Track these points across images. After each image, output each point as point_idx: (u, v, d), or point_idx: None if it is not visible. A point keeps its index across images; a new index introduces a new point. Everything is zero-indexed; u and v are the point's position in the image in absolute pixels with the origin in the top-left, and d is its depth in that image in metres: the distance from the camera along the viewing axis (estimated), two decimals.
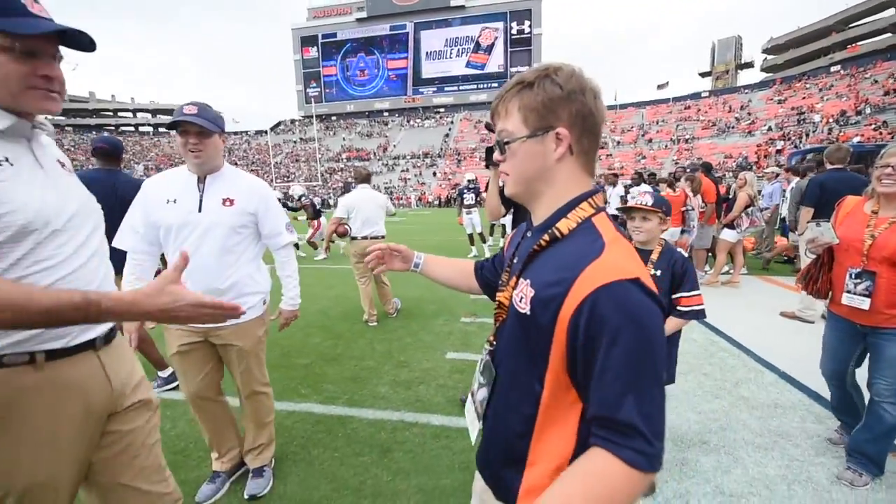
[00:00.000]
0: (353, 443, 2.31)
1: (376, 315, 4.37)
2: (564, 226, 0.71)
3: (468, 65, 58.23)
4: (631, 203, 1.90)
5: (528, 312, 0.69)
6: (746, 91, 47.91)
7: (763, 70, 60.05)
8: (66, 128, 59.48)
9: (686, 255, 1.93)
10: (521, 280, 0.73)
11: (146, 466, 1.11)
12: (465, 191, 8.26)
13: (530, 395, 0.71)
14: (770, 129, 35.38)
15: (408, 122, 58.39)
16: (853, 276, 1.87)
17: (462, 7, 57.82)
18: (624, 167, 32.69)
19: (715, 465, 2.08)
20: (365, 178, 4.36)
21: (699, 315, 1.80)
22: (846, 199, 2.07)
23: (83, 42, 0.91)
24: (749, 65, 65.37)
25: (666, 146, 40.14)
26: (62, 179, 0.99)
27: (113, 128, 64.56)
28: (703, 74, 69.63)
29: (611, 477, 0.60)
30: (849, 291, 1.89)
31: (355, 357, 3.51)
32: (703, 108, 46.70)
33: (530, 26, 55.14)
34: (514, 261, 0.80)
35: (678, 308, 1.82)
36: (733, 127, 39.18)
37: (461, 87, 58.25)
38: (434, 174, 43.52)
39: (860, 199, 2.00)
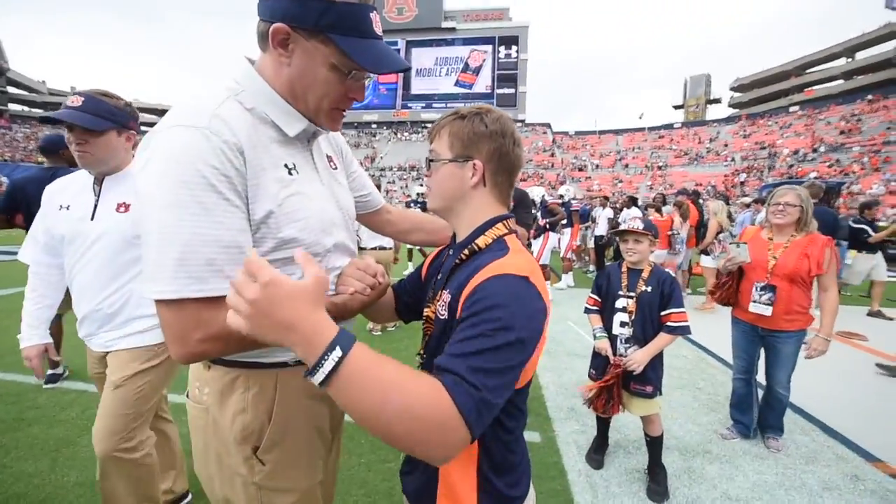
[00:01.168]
0: (377, 449, 2.35)
1: (380, 325, 4.41)
2: (482, 241, 0.80)
3: (457, 84, 59.53)
4: (624, 227, 2.09)
5: (446, 316, 0.77)
6: (715, 125, 50.99)
7: (730, 106, 64.04)
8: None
9: (673, 275, 2.14)
10: (444, 291, 0.80)
11: (329, 485, 1.13)
12: (413, 205, 8.05)
13: None
14: (734, 160, 37.65)
15: (395, 135, 58.82)
16: (759, 289, 2.35)
17: (453, 29, 59.41)
18: (602, 189, 33.89)
19: (719, 473, 2.25)
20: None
21: (686, 331, 1.99)
22: (747, 229, 2.63)
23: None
24: (717, 100, 69.58)
25: (641, 172, 41.97)
26: (334, 184, 0.96)
27: None
28: (676, 107, 73.59)
29: (429, 397, 0.57)
30: (755, 301, 2.36)
31: None
32: (675, 138, 49.28)
33: (517, 51, 57.14)
34: (438, 277, 0.87)
35: (668, 324, 2.00)
36: (703, 157, 41.45)
37: (449, 105, 59.28)
38: (420, 185, 43.70)
39: (757, 228, 2.56)
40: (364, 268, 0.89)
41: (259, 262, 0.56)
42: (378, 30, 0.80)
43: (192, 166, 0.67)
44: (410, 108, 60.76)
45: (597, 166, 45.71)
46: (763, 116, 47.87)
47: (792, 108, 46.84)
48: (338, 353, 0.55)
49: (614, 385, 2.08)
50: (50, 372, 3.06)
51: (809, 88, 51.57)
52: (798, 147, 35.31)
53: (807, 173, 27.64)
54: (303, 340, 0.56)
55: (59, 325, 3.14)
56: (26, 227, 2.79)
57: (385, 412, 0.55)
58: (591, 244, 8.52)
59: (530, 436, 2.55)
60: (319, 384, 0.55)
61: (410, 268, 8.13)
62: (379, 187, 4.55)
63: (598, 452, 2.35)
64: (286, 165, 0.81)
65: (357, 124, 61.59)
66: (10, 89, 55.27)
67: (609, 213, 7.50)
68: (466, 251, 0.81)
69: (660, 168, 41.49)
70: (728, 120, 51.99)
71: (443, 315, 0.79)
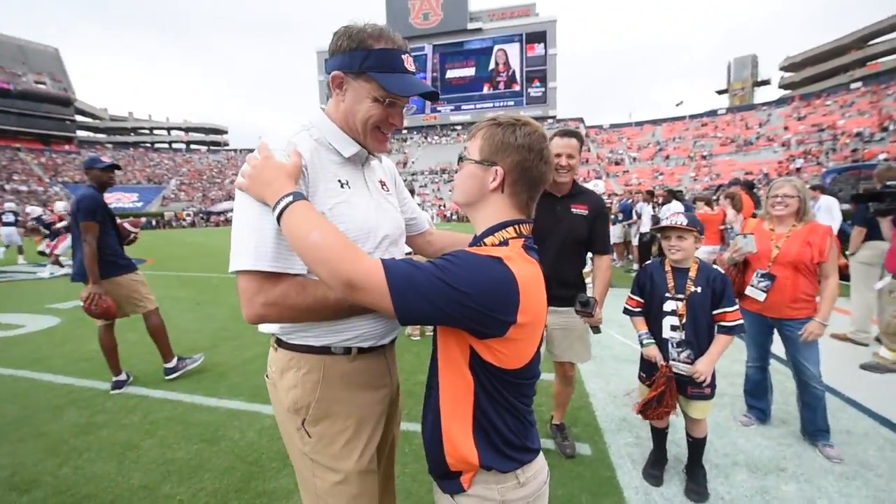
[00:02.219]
0: (420, 459, 2.32)
1: (419, 330, 4.41)
2: (490, 240, 0.88)
3: (485, 84, 59.27)
4: (665, 223, 1.97)
5: None
6: (765, 108, 47.48)
7: (781, 87, 59.58)
8: (107, 144, 62.06)
9: (723, 272, 1.98)
10: None
11: (388, 484, 1.28)
12: None
13: (434, 363, 0.92)
14: (788, 145, 34.86)
15: (426, 139, 59.38)
16: (758, 276, 2.44)
17: (479, 30, 59.25)
18: (642, 183, 32.49)
19: (798, 495, 2.02)
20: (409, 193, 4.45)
21: (742, 329, 1.91)
22: (748, 221, 2.67)
23: (429, 96, 1.06)
24: (766, 82, 64.97)
25: (683, 163, 39.86)
26: (383, 201, 1.13)
27: (148, 144, 67.19)
28: (719, 92, 69.47)
29: (343, 244, 0.78)
30: (752, 286, 2.45)
31: (405, 371, 3.53)
32: (720, 125, 46.39)
33: (545, 47, 56.07)
34: None
35: (723, 324, 1.89)
36: (752, 143, 38.74)
37: (478, 106, 59.16)
38: (450, 192, 43.84)
39: (759, 220, 2.60)
40: None
41: (266, 146, 0.93)
42: (409, 67, 1.01)
43: None
44: (439, 111, 61.11)
45: (634, 159, 43.89)
46: (819, 96, 44.01)
47: (853, 85, 42.82)
48: (289, 199, 0.83)
49: (667, 392, 1.95)
50: (115, 379, 3.30)
51: (873, 62, 46.95)
52: (862, 127, 32.15)
53: (875, 155, 25.09)
54: (273, 193, 0.85)
55: (111, 336, 3.31)
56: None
57: (307, 242, 0.78)
58: (635, 241, 8.13)
59: (580, 447, 2.42)
60: (277, 218, 0.84)
61: None
62: (413, 192, 4.56)
63: (655, 468, 2.19)
64: (339, 181, 1.02)
65: None
66: (78, 117, 60.76)
67: (672, 207, 7.04)
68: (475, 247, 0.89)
69: (704, 158, 39.21)
70: (779, 102, 48.26)
71: None
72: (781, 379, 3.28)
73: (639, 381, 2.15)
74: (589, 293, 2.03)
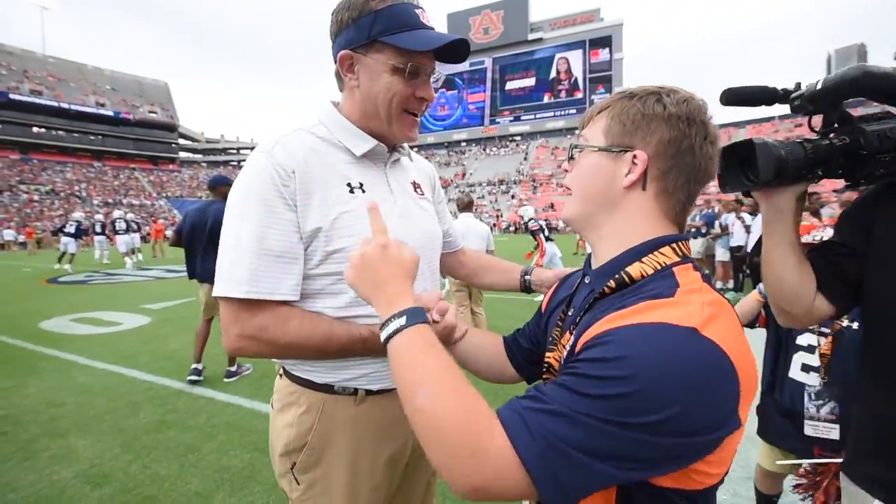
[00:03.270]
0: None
1: None
2: (637, 270, 0.56)
3: (545, 93, 58.33)
4: (808, 239, 1.58)
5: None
6: (875, 104, 41.14)
7: None
8: (202, 164, 70.59)
9: None
10: (572, 331, 0.60)
11: None
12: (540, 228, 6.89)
13: None
14: None
15: (484, 150, 59.61)
16: None
17: (540, 40, 58.67)
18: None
19: None
20: (467, 206, 4.32)
21: None
22: None
23: (456, 54, 0.87)
24: None
25: None
26: (412, 207, 0.96)
27: (236, 163, 75.16)
28: None
29: (462, 416, 0.49)
30: None
31: None
32: (818, 125, 40.99)
33: (610, 52, 53.91)
34: (569, 313, 0.67)
35: None
36: None
37: (538, 116, 58.29)
38: (509, 201, 43.38)
39: None
40: (418, 302, 0.77)
41: (381, 227, 0.69)
42: (426, 21, 0.84)
43: (255, 183, 0.80)
44: (498, 122, 61.10)
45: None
46: None
47: None
48: (401, 321, 0.57)
49: (828, 481, 1.38)
50: (193, 366, 3.66)
51: None
52: None
53: None
54: (385, 300, 0.61)
55: (208, 328, 3.74)
56: (179, 244, 3.74)
57: (412, 402, 0.52)
58: (721, 257, 7.21)
59: None
60: (383, 342, 0.59)
61: None
62: (471, 204, 4.41)
63: None
64: (349, 184, 0.86)
65: (447, 144, 63.97)
66: (180, 140, 69.75)
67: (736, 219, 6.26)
68: (612, 282, 0.58)
69: None
70: None
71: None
72: None
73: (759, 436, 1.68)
74: None
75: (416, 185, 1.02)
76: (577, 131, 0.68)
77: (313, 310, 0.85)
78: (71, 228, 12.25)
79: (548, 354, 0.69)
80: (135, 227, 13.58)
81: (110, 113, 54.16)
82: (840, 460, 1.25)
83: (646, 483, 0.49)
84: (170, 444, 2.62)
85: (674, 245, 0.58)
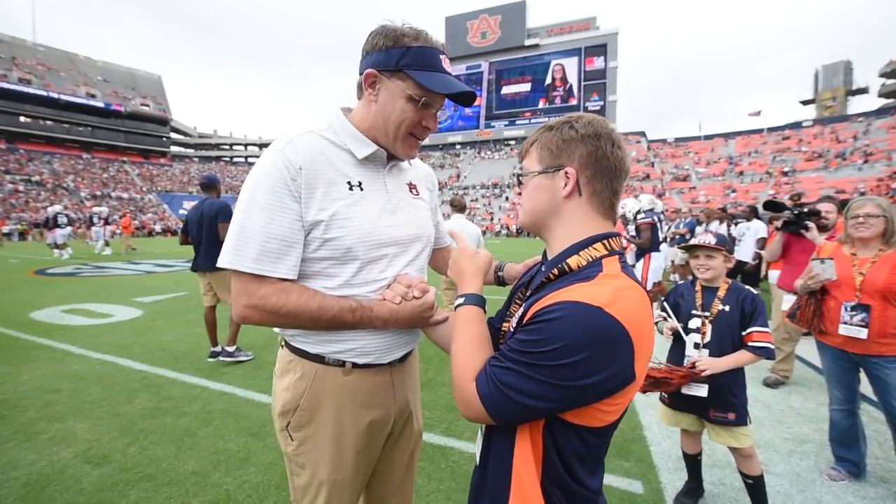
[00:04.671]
0: (457, 477, 2.24)
1: None
2: (574, 262, 0.73)
3: (541, 99, 58.83)
4: (694, 242, 2.01)
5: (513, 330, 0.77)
6: (861, 119, 42.26)
7: (881, 96, 52.84)
8: (194, 159, 69.65)
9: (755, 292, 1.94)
10: (520, 306, 0.80)
11: (402, 500, 1.21)
12: None
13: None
14: (890, 161, 30.59)
15: (479, 154, 59.90)
16: (849, 310, 2.14)
17: (536, 46, 59.22)
18: (710, 201, 30.13)
19: None
20: (460, 208, 4.47)
21: (770, 353, 1.83)
22: (825, 245, 2.40)
23: (465, 98, 1.00)
24: (863, 90, 58.01)
25: (761, 179, 36.44)
26: (404, 204, 1.08)
27: (228, 159, 74.44)
28: (805, 102, 63.13)
29: (465, 369, 0.74)
30: (845, 323, 2.15)
31: (447, 384, 3.48)
32: (805, 139, 41.99)
33: (605, 60, 54.63)
34: (527, 293, 0.83)
35: (750, 343, 1.84)
36: (845, 158, 34.55)
37: (532, 121, 58.75)
38: (500, 206, 43.67)
39: (836, 244, 2.33)
40: (402, 280, 1.02)
41: (463, 238, 1.00)
42: (447, 68, 0.98)
43: (266, 176, 0.92)
44: (493, 126, 61.43)
45: (702, 175, 40.91)
46: None
47: None
48: (461, 300, 0.85)
49: (671, 382, 1.82)
50: (212, 349, 4.02)
51: None
52: None
53: None
54: (461, 285, 0.89)
55: (213, 315, 4.03)
56: (187, 242, 4.03)
57: (451, 348, 0.80)
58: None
59: (631, 484, 2.21)
60: (454, 309, 0.86)
61: None
62: (464, 206, 4.57)
63: (688, 496, 2.06)
64: (350, 182, 0.99)
65: (442, 146, 64.10)
66: (172, 135, 68.81)
67: (752, 227, 6.22)
68: (556, 270, 0.75)
69: (785, 174, 35.57)
70: (880, 112, 42.71)
71: (513, 329, 0.77)
72: (882, 429, 2.80)
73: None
74: None
75: (411, 186, 1.14)
76: (518, 165, 0.88)
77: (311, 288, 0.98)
78: (64, 220, 13.18)
79: (504, 324, 0.86)
80: (69, 221, 14.75)
81: (101, 104, 53.34)
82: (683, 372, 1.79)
83: (561, 419, 0.69)
84: (166, 428, 2.71)
85: (604, 241, 0.75)
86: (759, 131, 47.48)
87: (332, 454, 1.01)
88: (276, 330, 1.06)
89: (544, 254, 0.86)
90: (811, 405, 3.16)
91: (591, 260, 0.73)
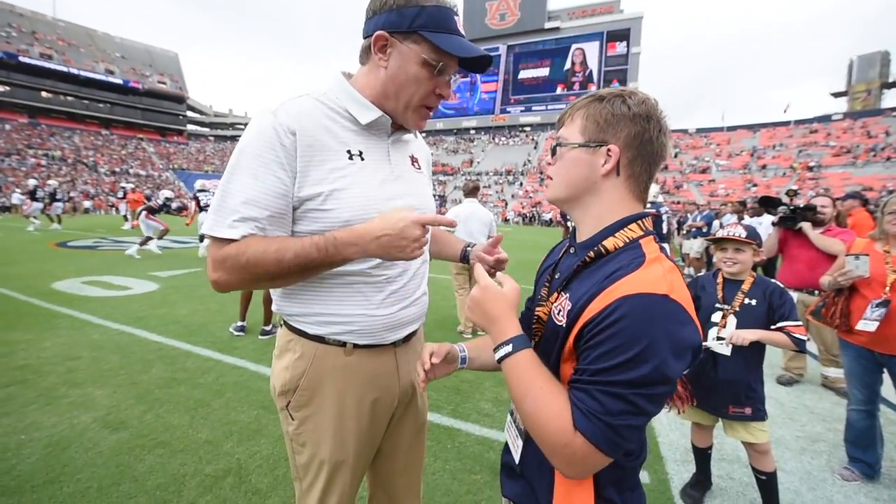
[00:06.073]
0: (463, 458, 2.26)
1: (472, 327, 4.35)
2: (611, 244, 0.71)
3: (559, 84, 57.45)
4: (722, 234, 1.93)
5: (564, 324, 0.70)
6: (895, 114, 40.39)
7: None
8: (210, 138, 70.26)
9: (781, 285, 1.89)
10: (562, 294, 0.73)
11: (409, 480, 1.19)
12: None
13: None
14: None
15: (493, 139, 59.08)
16: (874, 307, 2.08)
17: (557, 29, 57.53)
18: (730, 194, 29.34)
19: None
20: (472, 192, 4.42)
21: (803, 346, 1.79)
22: (856, 241, 2.34)
23: (480, 64, 0.94)
24: None
25: (784, 174, 35.29)
26: (407, 175, 1.03)
27: None
28: (836, 94, 60.46)
29: (556, 413, 0.64)
30: (866, 319, 2.10)
31: None
32: (833, 133, 40.36)
33: (627, 45, 52.88)
34: (556, 276, 0.80)
35: (788, 331, 1.79)
36: (877, 153, 33.20)
37: (549, 107, 57.54)
38: (513, 194, 43.23)
39: (867, 240, 2.26)
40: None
41: (482, 272, 0.80)
42: (461, 29, 0.92)
43: (254, 140, 0.86)
44: (509, 112, 60.34)
45: (722, 167, 39.80)
46: None
47: None
48: (508, 348, 0.70)
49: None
50: (239, 324, 4.15)
51: None
52: None
53: None
54: (496, 331, 0.73)
55: (248, 291, 4.08)
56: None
57: (522, 408, 0.68)
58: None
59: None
60: (497, 361, 0.72)
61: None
62: (476, 189, 4.51)
63: (695, 489, 2.04)
64: (349, 151, 0.92)
65: (456, 131, 63.30)
66: (188, 113, 69.36)
67: (764, 221, 6.07)
68: (592, 253, 0.72)
69: (810, 169, 34.38)
70: None
71: (560, 321, 0.71)
72: None
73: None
74: None
75: (413, 159, 1.09)
76: (558, 131, 0.80)
77: None
78: (41, 193, 14.10)
79: (537, 309, 0.81)
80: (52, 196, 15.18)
81: (119, 81, 53.81)
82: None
83: None
84: (181, 398, 2.79)
85: (639, 221, 0.73)
86: (786, 123, 45.77)
87: (333, 434, 0.98)
88: (274, 308, 1.04)
89: (572, 235, 0.82)
90: (825, 404, 3.10)
91: (627, 241, 0.71)
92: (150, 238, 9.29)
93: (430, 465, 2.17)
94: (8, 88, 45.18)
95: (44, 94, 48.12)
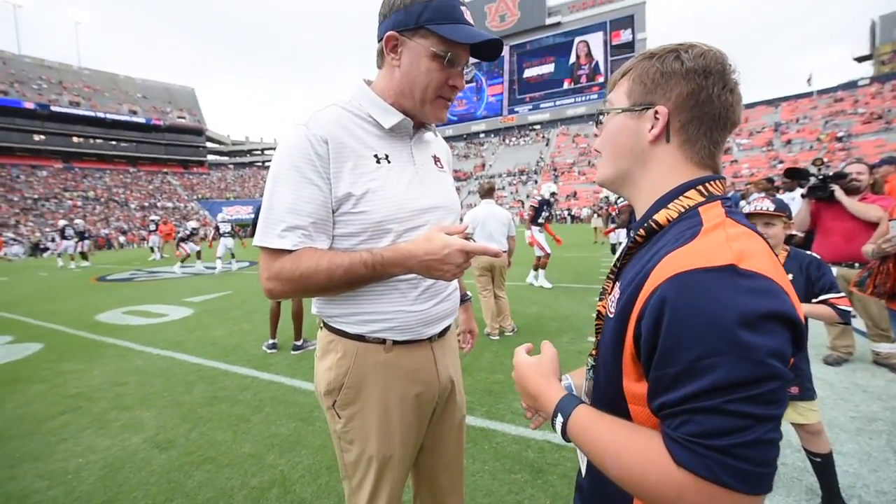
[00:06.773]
0: (501, 458, 2.25)
1: (498, 329, 4.33)
2: (663, 216, 0.60)
3: (565, 80, 56.97)
4: (749, 210, 1.86)
5: (616, 317, 0.59)
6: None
7: None
8: (230, 166, 72.80)
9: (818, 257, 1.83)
10: (616, 284, 0.64)
11: (452, 478, 1.20)
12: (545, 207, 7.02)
13: (620, 412, 0.60)
14: None
15: (503, 141, 58.97)
16: None
17: (558, 24, 57.22)
18: (754, 174, 28.28)
19: None
20: (488, 193, 4.43)
21: (848, 318, 1.71)
22: None
23: (491, 51, 0.95)
24: None
25: (811, 147, 33.80)
26: (431, 175, 1.06)
27: (261, 164, 77.21)
28: (859, 59, 57.55)
29: (645, 459, 0.51)
30: None
31: (484, 369, 3.49)
32: (861, 99, 38.43)
33: (632, 32, 52.01)
34: (616, 266, 0.70)
35: (832, 303, 1.71)
36: None
37: (558, 103, 57.09)
38: (528, 193, 42.90)
39: None
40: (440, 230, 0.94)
41: (517, 353, 0.76)
42: (469, 19, 0.94)
43: (290, 152, 0.90)
44: (517, 112, 60.17)
45: (744, 147, 38.42)
46: None
47: None
48: (560, 419, 0.62)
49: None
50: (271, 341, 4.27)
51: None
52: None
53: None
54: (542, 406, 0.68)
55: (277, 308, 4.25)
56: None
57: (607, 471, 0.56)
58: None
59: None
60: (560, 435, 0.63)
61: (531, 277, 7.24)
62: (492, 190, 4.52)
63: None
64: (376, 155, 0.96)
65: (466, 136, 63.51)
66: (208, 144, 72.11)
67: (797, 196, 5.79)
68: (643, 231, 0.62)
69: (839, 139, 32.80)
70: None
71: (611, 314, 0.62)
72: None
73: None
74: None
75: (436, 159, 1.12)
76: (605, 98, 0.72)
77: None
78: (70, 231, 14.65)
79: (599, 303, 0.73)
80: (81, 234, 15.45)
81: (142, 120, 56.58)
82: None
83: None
84: (223, 415, 2.89)
85: (699, 187, 0.60)
86: (808, 95, 43.86)
87: (379, 429, 1.01)
88: (314, 310, 1.08)
89: (632, 216, 0.79)
90: (879, 382, 2.93)
91: (682, 210, 0.59)
92: (223, 255, 10.26)
93: (469, 467, 2.17)
94: (43, 137, 48.22)
95: (75, 139, 51.08)
